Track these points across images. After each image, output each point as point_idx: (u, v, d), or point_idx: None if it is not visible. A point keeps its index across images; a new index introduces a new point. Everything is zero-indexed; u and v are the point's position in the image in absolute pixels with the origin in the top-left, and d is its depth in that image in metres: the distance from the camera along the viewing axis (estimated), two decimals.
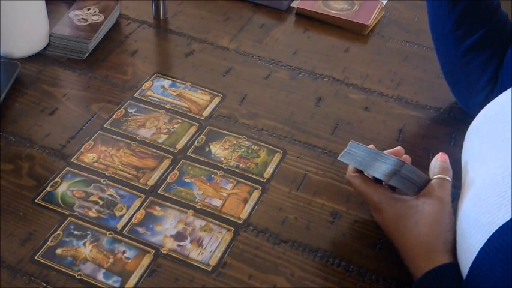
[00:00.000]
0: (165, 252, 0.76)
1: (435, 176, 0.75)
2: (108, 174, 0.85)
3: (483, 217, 0.63)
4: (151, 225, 0.79)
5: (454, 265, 0.68)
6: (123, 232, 0.78)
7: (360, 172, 0.78)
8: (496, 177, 0.64)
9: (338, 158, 0.78)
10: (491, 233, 0.61)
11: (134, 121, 0.94)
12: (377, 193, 0.76)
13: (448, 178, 0.75)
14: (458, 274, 0.66)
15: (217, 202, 0.83)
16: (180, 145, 0.90)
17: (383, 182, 0.77)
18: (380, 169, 0.74)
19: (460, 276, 0.66)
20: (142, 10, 1.17)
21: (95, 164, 0.87)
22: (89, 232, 0.78)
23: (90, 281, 0.73)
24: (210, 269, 0.75)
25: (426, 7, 0.93)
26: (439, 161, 0.76)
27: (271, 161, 0.89)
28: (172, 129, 0.93)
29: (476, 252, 0.62)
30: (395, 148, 0.80)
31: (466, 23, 0.88)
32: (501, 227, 0.60)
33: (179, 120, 0.94)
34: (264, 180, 0.86)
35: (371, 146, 0.79)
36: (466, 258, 0.64)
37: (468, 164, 0.74)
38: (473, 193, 0.68)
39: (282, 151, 0.90)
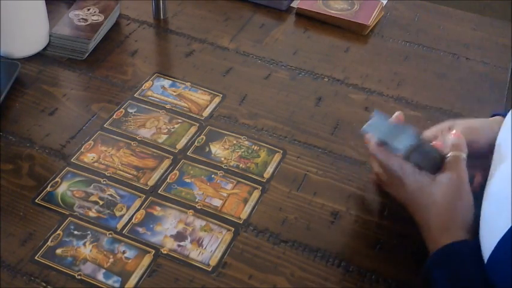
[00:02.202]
0: (165, 252, 0.76)
1: (450, 153, 0.75)
2: (108, 174, 0.85)
3: None
4: (151, 225, 0.79)
5: (470, 243, 0.68)
6: (123, 232, 0.78)
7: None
8: None
9: (362, 129, 0.78)
10: None
11: (134, 121, 0.94)
12: (401, 167, 0.75)
13: (463, 155, 0.74)
14: (473, 253, 0.66)
15: (217, 202, 0.83)
16: (180, 145, 0.90)
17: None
18: (404, 142, 0.75)
19: (475, 256, 0.66)
20: (142, 10, 1.17)
21: (95, 164, 0.87)
22: (89, 232, 0.78)
23: (90, 281, 0.73)
24: (210, 269, 0.75)
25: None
26: (453, 137, 0.76)
27: (271, 161, 0.89)
28: (172, 129, 0.93)
29: (505, 231, 0.62)
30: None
31: None
32: None
33: (179, 120, 0.94)
34: (264, 180, 0.86)
35: (395, 114, 0.79)
36: (492, 238, 0.64)
37: (502, 145, 0.72)
38: (504, 173, 0.67)
39: (282, 151, 0.90)
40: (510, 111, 0.76)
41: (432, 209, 0.73)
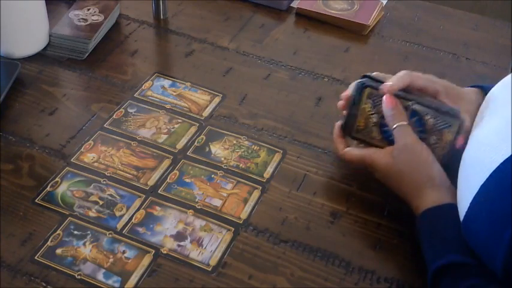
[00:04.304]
0: (165, 252, 0.76)
1: (394, 126, 0.79)
2: (108, 174, 0.85)
3: (485, 157, 0.67)
4: (151, 225, 0.79)
5: (438, 207, 0.74)
6: (123, 232, 0.78)
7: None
8: (500, 124, 0.69)
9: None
10: (493, 169, 0.65)
11: (134, 121, 0.94)
12: (365, 161, 0.81)
13: (404, 123, 0.79)
14: (444, 215, 0.74)
15: (217, 202, 0.83)
16: (180, 145, 0.90)
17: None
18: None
19: (449, 215, 0.73)
20: (142, 10, 1.17)
21: (95, 164, 0.87)
22: (89, 232, 0.78)
23: (90, 281, 0.73)
24: (210, 269, 0.75)
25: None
26: (390, 110, 0.80)
27: (271, 161, 0.89)
28: (172, 129, 0.93)
29: (478, 188, 0.66)
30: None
31: None
32: (502, 163, 0.64)
33: (179, 120, 0.94)
34: (264, 180, 0.86)
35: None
36: (468, 194, 0.68)
37: (477, 121, 0.77)
38: (478, 139, 0.72)
39: (282, 151, 0.90)
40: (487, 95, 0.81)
41: (404, 177, 0.78)
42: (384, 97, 0.81)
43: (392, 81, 0.81)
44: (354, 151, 0.83)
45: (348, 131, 0.85)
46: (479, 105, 0.80)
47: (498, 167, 0.65)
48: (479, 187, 0.66)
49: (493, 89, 0.80)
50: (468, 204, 0.68)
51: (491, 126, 0.72)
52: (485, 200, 0.66)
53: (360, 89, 0.82)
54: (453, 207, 0.73)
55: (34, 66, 1.03)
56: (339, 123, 0.86)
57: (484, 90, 0.83)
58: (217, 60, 1.07)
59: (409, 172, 0.78)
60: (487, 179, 0.66)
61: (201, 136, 0.92)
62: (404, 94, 0.81)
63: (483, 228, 0.66)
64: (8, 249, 0.76)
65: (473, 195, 0.67)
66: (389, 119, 0.80)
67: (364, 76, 0.83)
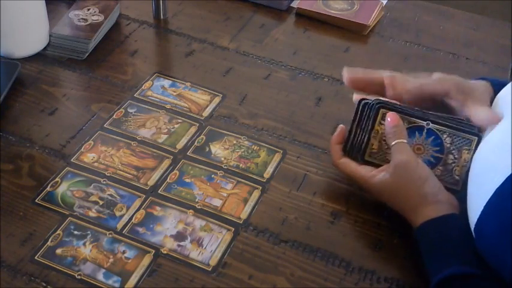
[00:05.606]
0: (165, 252, 0.76)
1: (393, 142, 0.79)
2: (108, 174, 0.85)
3: (501, 162, 0.67)
4: (151, 225, 0.79)
5: (437, 219, 0.74)
6: (123, 232, 0.78)
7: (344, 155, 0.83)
8: None
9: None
10: (509, 174, 0.64)
11: (134, 121, 0.94)
12: (360, 178, 0.81)
13: (403, 141, 0.79)
14: (443, 226, 0.73)
15: (217, 202, 0.83)
16: (180, 145, 0.90)
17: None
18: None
19: (450, 224, 0.73)
20: (143, 10, 1.17)
21: (95, 164, 0.87)
22: (89, 232, 0.78)
23: (90, 281, 0.73)
24: (210, 269, 0.75)
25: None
26: (391, 128, 0.80)
27: (271, 161, 0.89)
28: (172, 129, 0.93)
29: (492, 192, 0.66)
30: None
31: None
32: None
33: (179, 120, 0.94)
34: (264, 180, 0.86)
35: None
36: (480, 199, 0.68)
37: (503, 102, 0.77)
38: (491, 142, 0.72)
39: (282, 151, 0.90)
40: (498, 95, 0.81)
41: (395, 203, 0.78)
42: (388, 114, 0.80)
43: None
44: (349, 166, 0.82)
45: (359, 154, 0.82)
46: (489, 98, 0.80)
47: None
48: (493, 192, 0.66)
49: (504, 89, 0.79)
50: (481, 209, 0.67)
51: (505, 130, 0.71)
52: (499, 205, 0.65)
53: (375, 109, 0.81)
54: (451, 217, 0.73)
55: (34, 66, 1.03)
56: (341, 127, 0.85)
57: (492, 83, 0.83)
58: (217, 60, 1.07)
59: (403, 190, 0.77)
60: (502, 184, 0.65)
61: (201, 136, 0.92)
62: (420, 113, 0.80)
63: (495, 233, 0.65)
64: (8, 249, 0.76)
65: (487, 199, 0.66)
66: (389, 136, 0.80)
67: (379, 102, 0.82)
